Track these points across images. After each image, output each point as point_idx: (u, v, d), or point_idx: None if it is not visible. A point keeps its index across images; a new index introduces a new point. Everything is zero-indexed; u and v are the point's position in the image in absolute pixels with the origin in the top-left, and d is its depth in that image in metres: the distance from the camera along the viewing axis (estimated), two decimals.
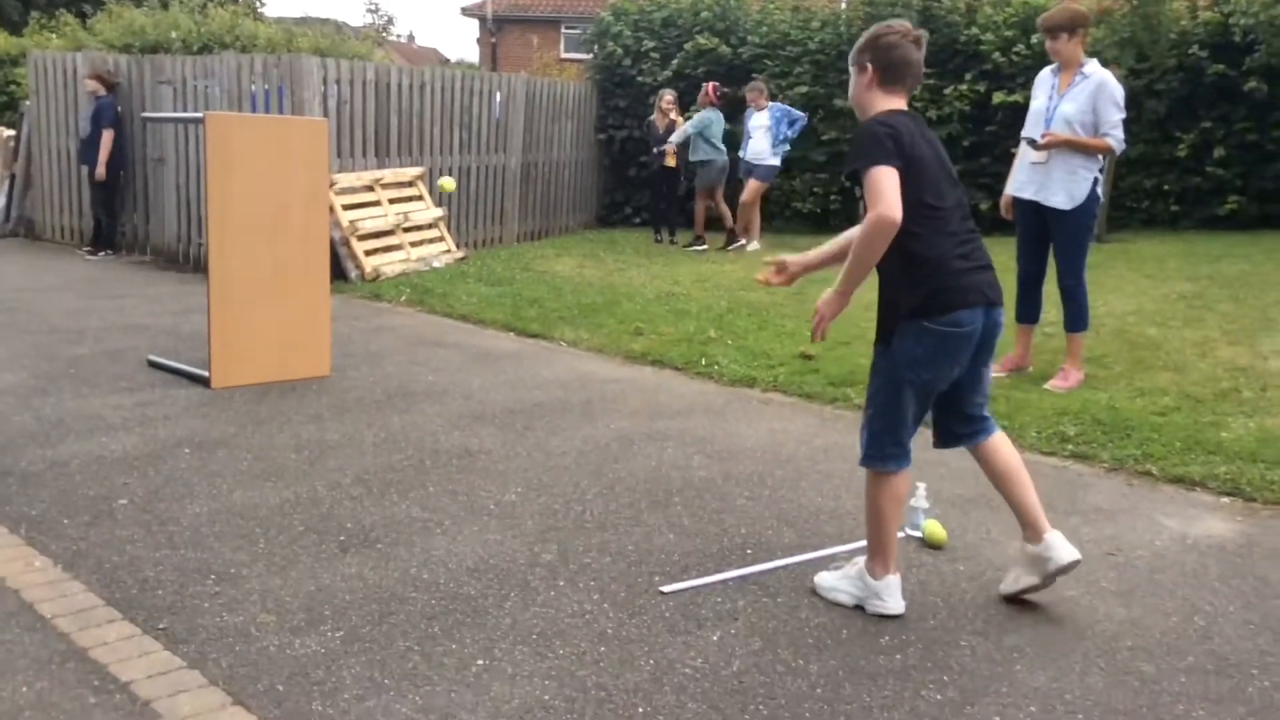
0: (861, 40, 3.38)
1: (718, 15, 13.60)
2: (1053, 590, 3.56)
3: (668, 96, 12.40)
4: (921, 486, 4.05)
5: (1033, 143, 5.79)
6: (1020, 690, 2.95)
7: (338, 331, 6.77)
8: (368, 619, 3.23)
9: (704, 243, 12.05)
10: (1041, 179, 5.82)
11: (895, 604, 3.33)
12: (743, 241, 11.90)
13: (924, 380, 3.29)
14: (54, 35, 15.54)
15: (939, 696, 2.90)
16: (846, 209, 12.49)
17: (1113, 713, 2.85)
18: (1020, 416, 5.41)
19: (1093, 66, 5.80)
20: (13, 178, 12.30)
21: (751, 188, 11.72)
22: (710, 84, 12.20)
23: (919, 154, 3.21)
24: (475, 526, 3.98)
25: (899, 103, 3.33)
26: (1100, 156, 5.83)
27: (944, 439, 3.56)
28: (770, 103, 11.76)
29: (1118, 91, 5.73)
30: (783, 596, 3.47)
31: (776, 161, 11.78)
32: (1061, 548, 3.34)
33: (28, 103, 12.17)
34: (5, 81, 15.87)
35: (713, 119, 11.93)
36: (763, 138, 11.57)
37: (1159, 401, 5.61)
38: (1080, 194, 5.75)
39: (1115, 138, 5.71)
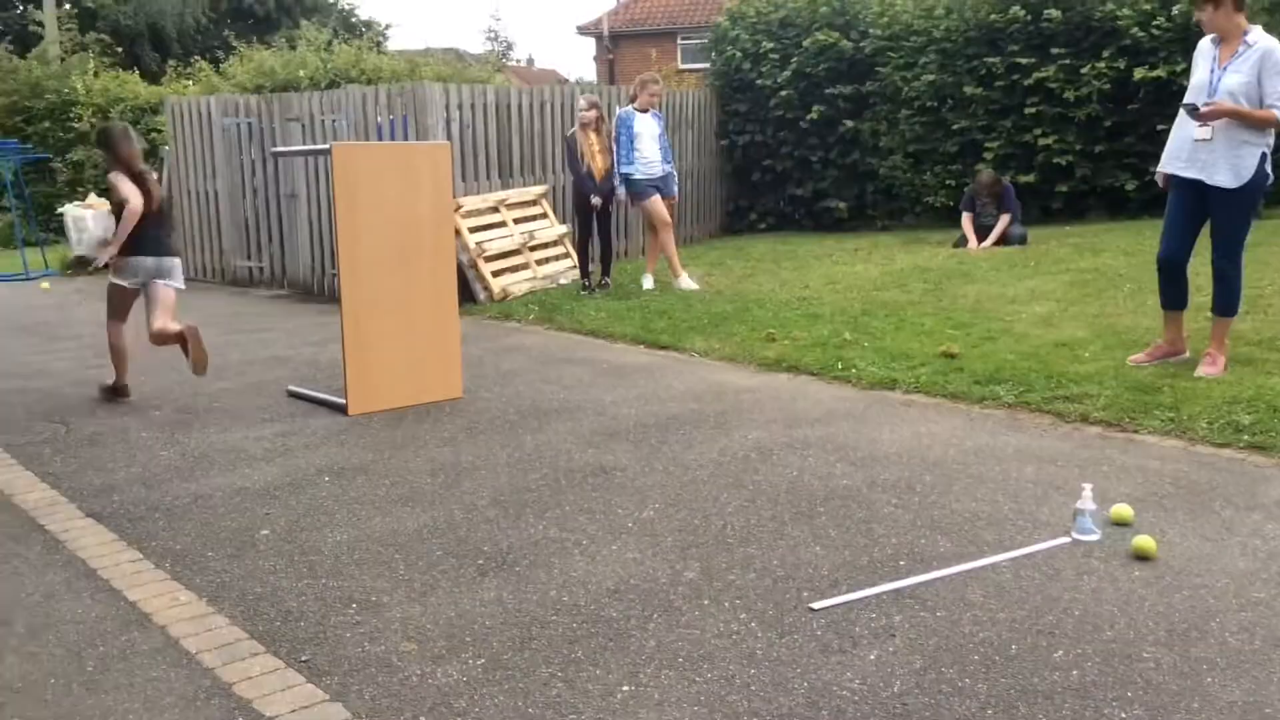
0: None
1: (837, 10, 13.33)
2: (1240, 594, 3.27)
3: (583, 103, 9.62)
4: (1087, 487, 3.78)
5: (1194, 110, 5.37)
6: (1214, 706, 2.68)
7: (468, 353, 6.77)
8: (509, 645, 3.14)
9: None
10: (1205, 156, 5.42)
11: None
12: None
13: None
14: (190, 82, 16.16)
15: (1124, 715, 2.66)
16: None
17: None
18: (1188, 407, 5.05)
19: (1257, 34, 5.37)
20: None
21: (667, 207, 9.58)
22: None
23: None
24: (614, 546, 3.86)
25: None
26: (1269, 130, 5.39)
27: None
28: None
29: None
30: (942, 610, 3.26)
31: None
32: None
33: (167, 148, 12.65)
34: (147, 130, 16.58)
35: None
36: (654, 144, 9.42)
37: None
38: (1246, 171, 5.34)
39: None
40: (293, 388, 6.42)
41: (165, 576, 3.72)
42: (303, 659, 3.10)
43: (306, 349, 7.87)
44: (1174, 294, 5.73)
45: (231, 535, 4.09)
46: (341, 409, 5.88)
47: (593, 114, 9.32)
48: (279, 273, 11.39)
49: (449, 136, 9.66)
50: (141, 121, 16.96)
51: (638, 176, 9.28)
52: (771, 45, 13.53)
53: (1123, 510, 3.88)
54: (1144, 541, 3.61)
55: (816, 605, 3.31)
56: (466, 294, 8.96)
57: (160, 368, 7.32)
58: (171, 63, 19.93)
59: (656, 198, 9.39)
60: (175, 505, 4.46)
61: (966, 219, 10.99)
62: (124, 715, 2.81)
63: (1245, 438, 4.69)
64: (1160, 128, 11.17)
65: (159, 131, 15.03)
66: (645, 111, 9.33)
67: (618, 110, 9.54)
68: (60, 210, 14.81)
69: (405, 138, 9.61)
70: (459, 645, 3.15)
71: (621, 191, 9.34)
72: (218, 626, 3.31)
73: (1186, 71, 10.86)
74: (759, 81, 13.58)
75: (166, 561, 3.85)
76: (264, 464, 5.00)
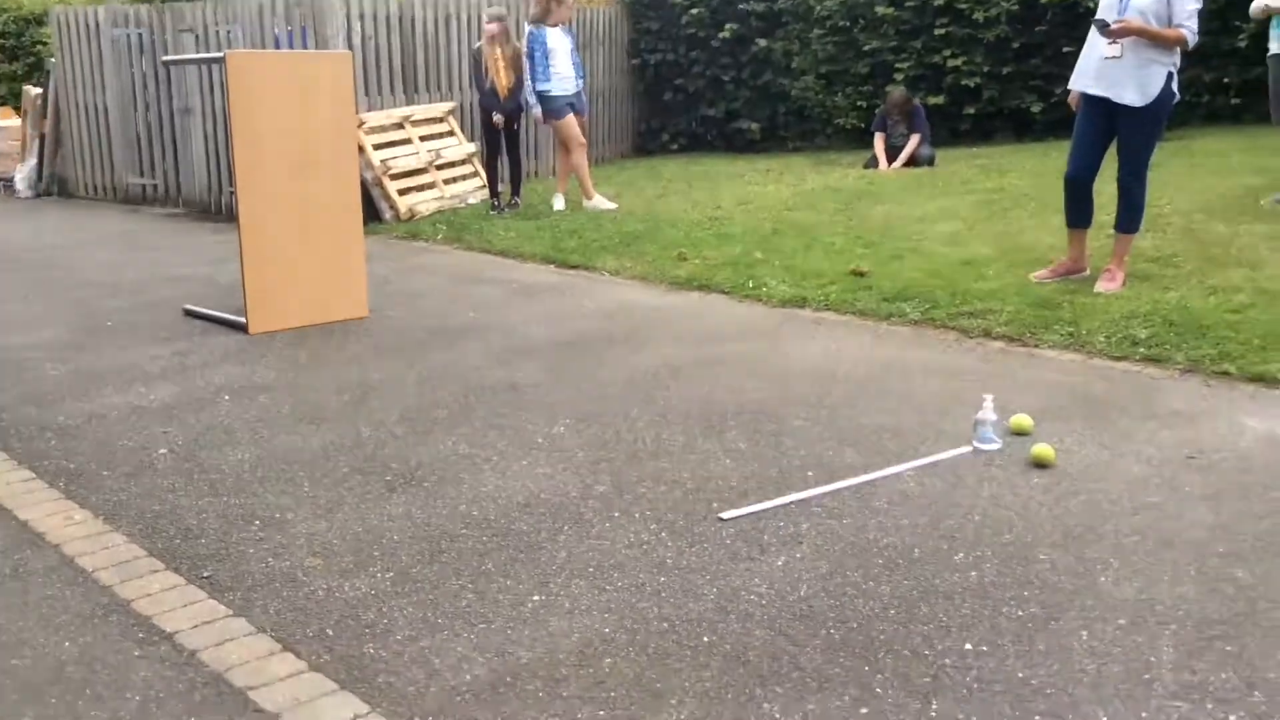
0: None
1: None
2: (1134, 496, 3.37)
3: (488, 15, 9.39)
4: (988, 399, 3.85)
5: (1104, 26, 5.41)
6: (1107, 603, 2.77)
7: (374, 272, 6.63)
8: (418, 559, 3.11)
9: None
10: (1113, 73, 5.47)
11: None
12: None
13: None
14: None
15: (1020, 613, 2.73)
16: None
17: (1208, 623, 2.67)
18: (1087, 322, 5.17)
19: None
20: (42, 137, 12.24)
21: (580, 125, 9.42)
22: None
23: None
24: (524, 461, 3.84)
25: None
26: (1177, 50, 5.46)
27: None
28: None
29: None
30: (848, 518, 3.30)
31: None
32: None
33: (53, 60, 12.06)
34: (32, 42, 15.80)
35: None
36: (568, 60, 9.19)
37: (1233, 299, 5.33)
38: (1154, 89, 5.41)
39: (1190, 29, 5.33)
40: (190, 306, 6.23)
41: (59, 496, 3.60)
42: (204, 575, 3.03)
43: (203, 268, 7.63)
44: (1079, 212, 5.83)
45: (128, 454, 3.97)
46: (242, 328, 5.72)
47: (497, 27, 9.09)
48: (174, 190, 11.00)
49: (350, 49, 9.34)
50: (26, 34, 16.13)
51: (555, 93, 9.09)
52: None
53: (1022, 420, 3.97)
54: (1042, 450, 3.69)
55: (726, 515, 3.34)
56: (372, 213, 8.77)
57: (50, 286, 7.05)
58: None
59: (571, 117, 9.23)
60: (68, 425, 4.31)
61: (878, 139, 11.01)
62: (18, 634, 2.72)
63: (1141, 350, 4.81)
64: (1067, 49, 11.27)
65: (44, 44, 14.33)
66: (556, 27, 9.13)
67: (527, 26, 9.31)
68: None
69: (305, 50, 9.28)
70: (366, 560, 3.11)
71: (537, 110, 9.14)
72: (114, 545, 3.22)
73: None
74: None
75: (60, 481, 3.73)
76: (161, 383, 4.85)
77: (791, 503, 3.42)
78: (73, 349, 5.47)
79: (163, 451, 4.00)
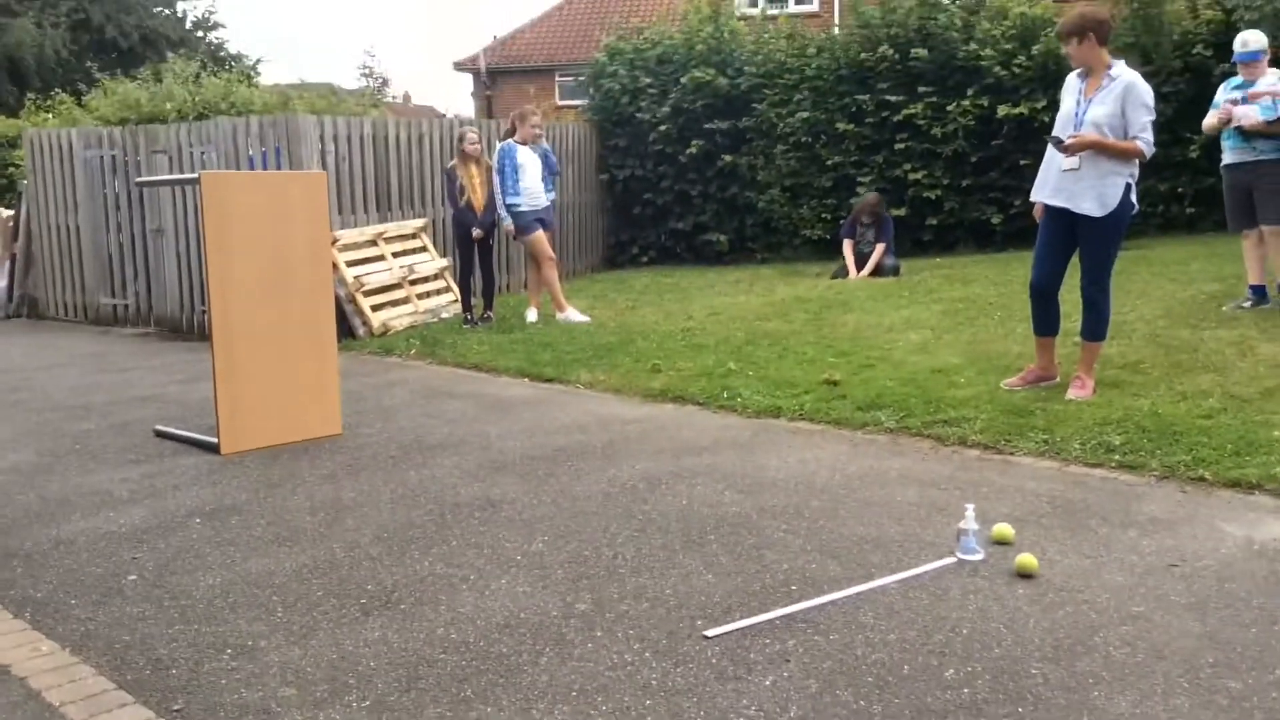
0: None
1: (713, 48, 13.54)
2: (1121, 608, 3.35)
3: (472, 134, 9.53)
4: (970, 508, 3.84)
5: (1058, 142, 5.57)
6: (1102, 719, 2.73)
7: (348, 389, 6.61)
8: (395, 686, 3.02)
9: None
10: (1072, 186, 5.61)
11: None
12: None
13: None
14: (49, 115, 15.56)
15: None
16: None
17: None
18: (1061, 429, 5.20)
19: (1120, 68, 5.59)
20: (13, 258, 12.24)
21: (547, 240, 9.55)
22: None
23: None
24: (503, 580, 3.77)
25: None
26: (1134, 161, 5.61)
27: None
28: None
29: (1147, 94, 5.50)
30: (835, 634, 3.26)
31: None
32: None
33: (25, 183, 12.12)
34: (4, 164, 15.89)
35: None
36: (537, 176, 9.39)
37: (1203, 404, 5.39)
38: (1112, 200, 5.54)
39: (1145, 140, 5.49)
40: (160, 427, 6.16)
41: (25, 626, 3.49)
42: (175, 709, 2.93)
43: (174, 387, 7.58)
44: (1045, 320, 5.91)
45: (96, 581, 3.87)
46: (213, 448, 5.65)
47: (479, 146, 9.28)
48: (145, 310, 10.97)
49: (324, 169, 9.46)
50: None
51: (524, 208, 9.23)
52: (649, 80, 13.67)
53: (1004, 529, 3.95)
54: (1026, 559, 3.68)
55: (710, 633, 3.28)
56: (345, 329, 8.77)
57: (17, 409, 6.96)
58: (30, 95, 19.12)
59: (540, 232, 9.36)
60: (35, 551, 4.21)
61: (848, 246, 11.15)
62: None
63: (1116, 457, 4.84)
64: (1023, 162, 11.66)
65: (16, 166, 14.41)
66: (525, 144, 9.31)
67: (498, 143, 9.49)
68: None
69: (279, 170, 9.38)
70: (342, 688, 3.02)
71: (508, 223, 9.26)
72: (83, 677, 3.12)
73: (1047, 109, 11.40)
74: (638, 116, 13.69)
75: (26, 610, 3.62)
76: (130, 506, 4.76)
77: (776, 618, 3.37)
78: (40, 473, 5.37)
79: (132, 578, 3.90)
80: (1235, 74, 7.60)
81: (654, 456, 5.28)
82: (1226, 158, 7.64)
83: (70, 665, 3.21)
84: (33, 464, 5.56)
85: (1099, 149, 5.50)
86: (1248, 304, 7.52)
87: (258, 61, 39.87)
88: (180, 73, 14.41)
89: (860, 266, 10.91)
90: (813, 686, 2.93)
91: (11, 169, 15.10)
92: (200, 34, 35.55)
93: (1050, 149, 5.74)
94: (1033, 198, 5.90)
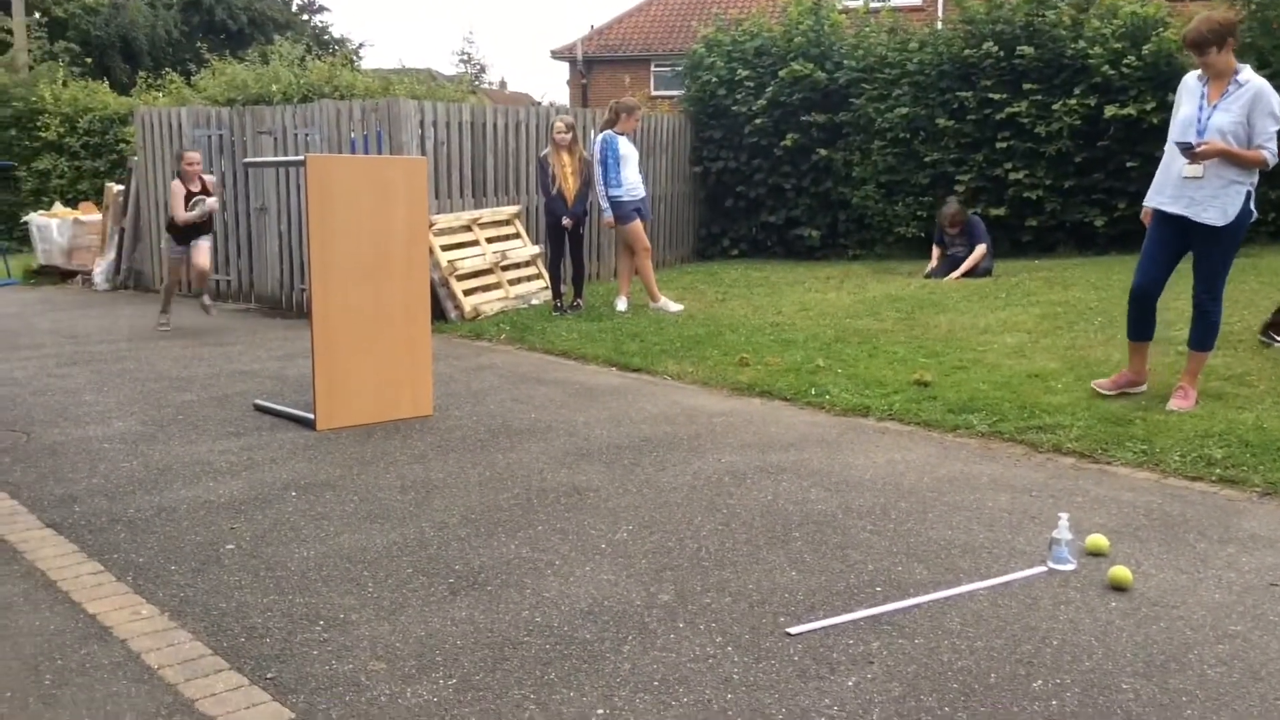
0: None
1: (812, 41, 13.42)
2: (1216, 626, 3.26)
3: (560, 124, 9.43)
4: (1064, 517, 3.76)
5: (1188, 148, 5.40)
6: None
7: (439, 371, 6.71)
8: (481, 665, 3.07)
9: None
10: (1193, 193, 5.45)
11: None
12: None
13: None
14: (160, 94, 16.03)
15: None
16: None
17: None
18: (1160, 440, 5.07)
19: (1248, 74, 5.40)
20: (122, 231, 12.64)
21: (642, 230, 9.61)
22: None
23: None
24: (587, 567, 3.80)
25: None
26: (1255, 170, 5.44)
27: None
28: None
29: (1275, 101, 5.31)
30: (920, 638, 3.22)
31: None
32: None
33: (135, 159, 12.51)
34: (116, 140, 16.42)
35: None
36: (636, 168, 9.53)
37: None
38: (1233, 209, 5.37)
39: (1271, 150, 5.30)
40: (259, 401, 6.32)
41: (127, 590, 3.62)
42: (268, 676, 3.01)
43: (273, 363, 7.77)
44: (1143, 325, 5.76)
45: (196, 549, 4.00)
46: (309, 424, 5.79)
47: (569, 135, 9.33)
48: (246, 287, 11.26)
49: (423, 153, 9.61)
50: (110, 132, 16.79)
51: (625, 199, 9.31)
52: (747, 73, 13.59)
53: (1098, 540, 3.87)
54: (1120, 572, 3.59)
55: (793, 630, 3.27)
56: (438, 312, 8.90)
57: (123, 378, 7.20)
58: (142, 74, 19.73)
59: (638, 222, 9.42)
60: (138, 517, 4.36)
61: (936, 252, 11.08)
62: None
63: (1217, 471, 4.70)
64: (1130, 164, 11.36)
65: (128, 142, 14.88)
66: (624, 135, 9.37)
67: (595, 134, 9.54)
68: (24, 219, 14.61)
69: (379, 154, 9.55)
70: (429, 665, 3.08)
71: (609, 216, 9.35)
72: (180, 641, 3.22)
73: (1155, 110, 11.09)
74: (734, 108, 13.63)
75: (128, 574, 3.75)
76: (229, 478, 4.91)
77: (861, 619, 3.35)
78: (144, 441, 5.56)
79: (229, 547, 4.02)
80: None
81: (740, 450, 5.27)
82: None
83: (169, 630, 3.31)
84: (137, 432, 5.75)
85: (1227, 157, 5.33)
86: None
87: (360, 45, 40.63)
88: (286, 55, 14.73)
89: (948, 270, 10.76)
90: (896, 690, 2.91)
91: (123, 145, 15.59)
92: (305, 17, 36.37)
93: (1168, 153, 5.58)
94: (1148, 203, 5.73)
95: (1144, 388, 5.82)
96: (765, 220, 13.88)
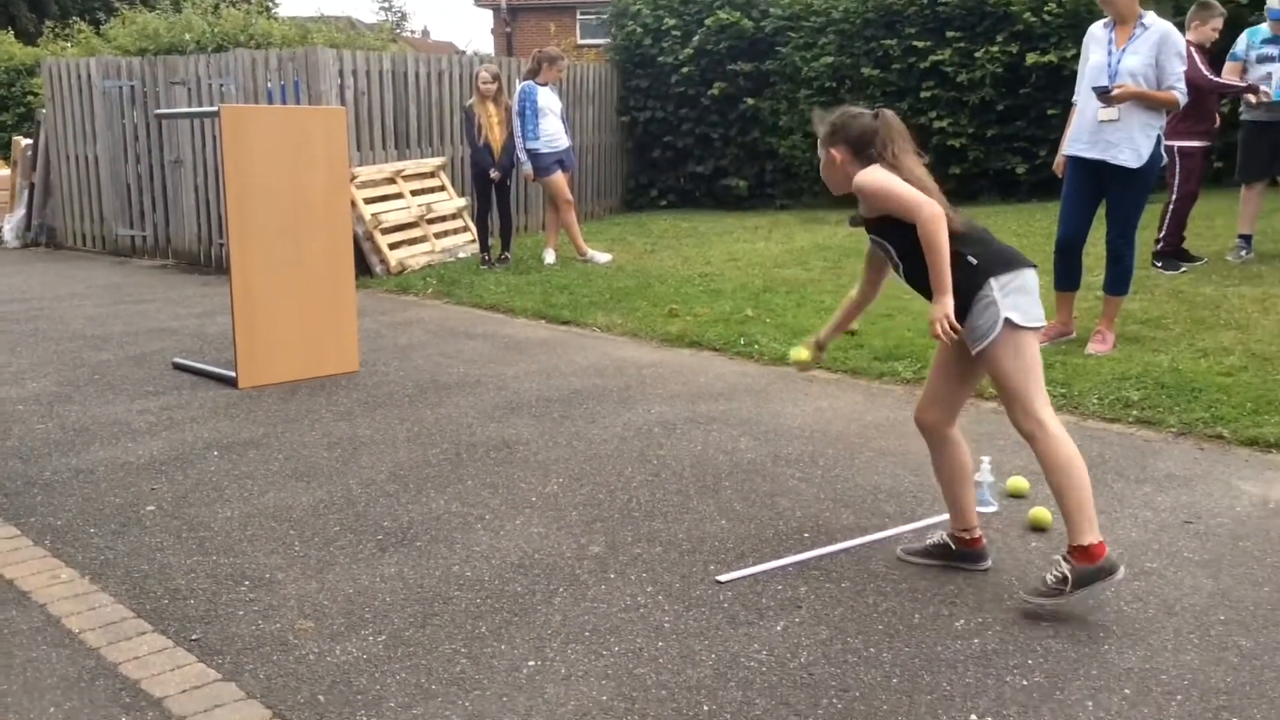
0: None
1: None
2: (1133, 563, 3.35)
3: (485, 74, 9.24)
4: (986, 460, 3.84)
5: (1104, 91, 5.47)
6: (1111, 672, 2.74)
7: (365, 327, 6.61)
8: (410, 621, 3.06)
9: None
10: (1110, 137, 5.53)
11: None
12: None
13: None
14: (68, 44, 15.47)
15: (1025, 682, 2.70)
16: None
17: (1213, 692, 2.64)
18: (1079, 383, 5.18)
19: (1152, 18, 5.50)
20: (32, 187, 12.24)
21: (566, 182, 9.52)
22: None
23: None
24: (518, 520, 3.80)
25: None
26: (1164, 112, 5.54)
27: None
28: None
29: (1180, 43, 5.45)
30: (847, 581, 3.27)
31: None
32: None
33: (43, 111, 12.09)
34: (23, 92, 15.82)
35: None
36: (558, 118, 9.40)
37: (1224, 361, 5.36)
38: (1147, 151, 5.47)
39: (1180, 90, 5.43)
40: (179, 360, 6.18)
41: (45, 553, 3.53)
42: (193, 638, 2.97)
43: (192, 320, 7.60)
44: (1069, 275, 5.86)
45: (115, 511, 3.91)
46: (231, 382, 5.68)
47: (495, 85, 9.18)
48: (163, 242, 10.98)
49: (343, 104, 9.39)
50: (17, 84, 16.17)
51: (544, 151, 9.19)
52: (673, 22, 13.47)
53: (1019, 482, 3.95)
54: (1040, 513, 3.68)
55: (723, 578, 3.30)
56: (363, 267, 8.76)
57: (36, 338, 6.99)
58: (49, 23, 19.01)
59: (560, 174, 9.32)
60: (55, 480, 4.25)
61: None
62: (1, 698, 2.66)
63: (1134, 413, 4.82)
64: (1051, 112, 11.48)
65: (35, 94, 14.35)
66: (546, 85, 9.24)
67: (519, 83, 9.40)
68: None
69: (296, 104, 9.32)
70: (358, 622, 3.06)
71: (528, 167, 9.22)
72: (102, 605, 3.16)
73: (1076, 58, 11.11)
74: (660, 58, 13.52)
75: (46, 538, 3.66)
76: (149, 438, 4.80)
77: (789, 565, 3.39)
78: (60, 402, 5.41)
79: (150, 509, 3.94)
80: (1256, 24, 7.63)
81: (669, 401, 5.28)
82: (1260, 114, 7.64)
83: (89, 593, 3.25)
84: (52, 393, 5.59)
85: (1141, 99, 5.42)
86: (1244, 253, 7.82)
87: None
88: (199, 3, 14.29)
89: None
90: (823, 633, 2.95)
91: (30, 98, 15.05)
92: None
93: (1081, 101, 5.65)
94: (1066, 151, 5.80)
95: (1073, 336, 5.92)
96: (693, 170, 13.83)
